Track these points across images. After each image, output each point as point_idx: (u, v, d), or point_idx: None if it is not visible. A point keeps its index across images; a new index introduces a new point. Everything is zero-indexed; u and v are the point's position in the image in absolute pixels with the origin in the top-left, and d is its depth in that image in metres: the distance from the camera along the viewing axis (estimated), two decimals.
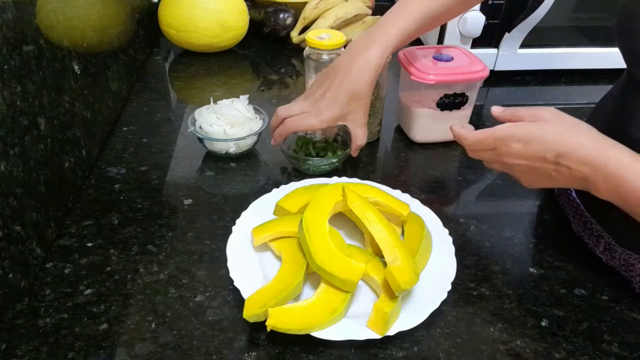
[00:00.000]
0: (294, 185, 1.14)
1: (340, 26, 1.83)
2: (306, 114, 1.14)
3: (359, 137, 1.17)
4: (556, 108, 0.90)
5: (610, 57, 1.70)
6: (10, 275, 0.87)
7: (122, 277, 0.97)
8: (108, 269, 0.98)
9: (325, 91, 1.12)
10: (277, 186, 1.14)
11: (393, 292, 0.87)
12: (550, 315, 0.93)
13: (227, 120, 1.24)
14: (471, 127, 1.00)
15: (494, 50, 1.65)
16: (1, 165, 0.85)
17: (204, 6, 1.68)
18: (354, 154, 1.21)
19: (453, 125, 1.01)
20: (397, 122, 1.45)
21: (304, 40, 1.82)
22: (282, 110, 1.18)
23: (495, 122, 0.95)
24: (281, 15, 1.85)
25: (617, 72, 1.14)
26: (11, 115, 0.88)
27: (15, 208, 0.89)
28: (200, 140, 1.26)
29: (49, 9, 1.03)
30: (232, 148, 1.25)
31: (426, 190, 1.20)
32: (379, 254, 0.94)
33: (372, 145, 1.37)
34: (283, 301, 0.87)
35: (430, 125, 1.33)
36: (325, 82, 1.14)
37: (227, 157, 1.28)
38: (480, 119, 1.49)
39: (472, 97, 1.31)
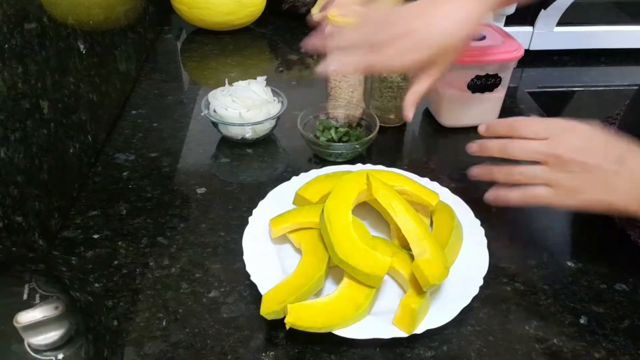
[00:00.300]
0: (314, 173, 1.14)
1: (365, 2, 1.82)
2: (392, 54, 1.01)
3: (423, 86, 1.06)
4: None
5: None
6: None
7: (131, 272, 0.97)
8: (116, 262, 0.98)
9: (413, 31, 1.00)
10: (297, 174, 1.14)
11: (421, 288, 0.86)
12: (589, 312, 0.92)
13: (243, 103, 1.24)
14: None
15: (529, 29, 1.64)
16: (1, 151, 0.85)
17: None
18: (411, 100, 1.08)
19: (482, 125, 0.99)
20: (426, 106, 1.44)
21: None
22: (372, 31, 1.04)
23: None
24: None
25: None
26: (12, 97, 0.88)
27: (16, 197, 0.89)
28: (215, 124, 1.26)
29: None
30: (249, 133, 1.25)
31: (456, 178, 1.19)
32: (405, 246, 0.94)
33: (398, 130, 1.36)
34: (303, 297, 0.86)
35: (460, 109, 1.32)
36: (412, 24, 1.01)
37: (243, 143, 1.28)
38: (514, 102, 1.48)
39: (506, 78, 1.30)
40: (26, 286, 0.72)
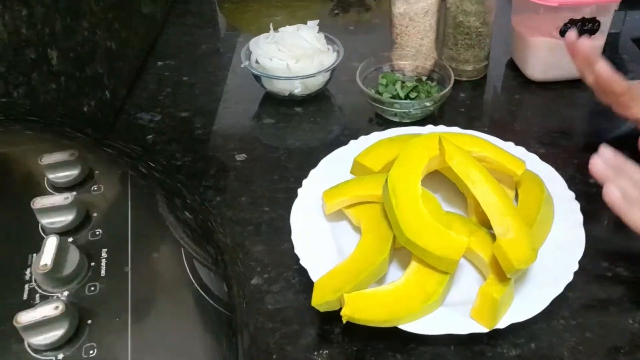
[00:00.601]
0: (376, 136, 1.13)
1: None
2: None
3: None
4: None
5: None
6: None
7: None
8: None
9: None
10: (356, 137, 1.13)
11: (504, 274, 0.85)
12: None
13: (291, 53, 1.23)
14: None
15: None
16: None
17: None
18: None
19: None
20: (509, 56, 1.43)
21: None
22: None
23: None
24: None
25: None
26: (14, 46, 0.88)
27: None
28: (257, 78, 1.26)
29: None
30: (298, 88, 1.25)
31: (546, 143, 1.18)
32: (485, 224, 0.93)
33: (477, 84, 1.35)
34: (363, 284, 0.86)
35: (551, 59, 1.30)
36: None
37: (292, 100, 1.28)
38: (615, 52, 1.46)
39: (606, 23, 1.28)
40: (26, 286, 0.77)
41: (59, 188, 0.88)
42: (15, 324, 0.70)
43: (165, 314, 0.77)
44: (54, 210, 0.83)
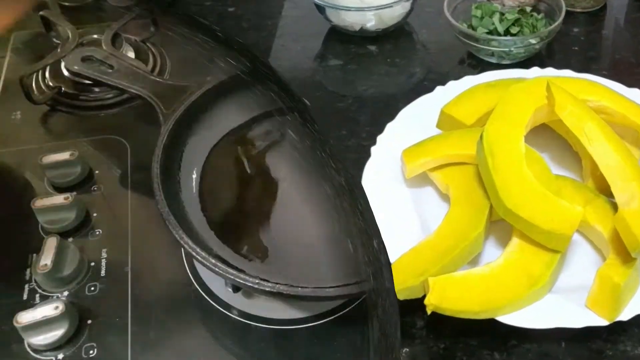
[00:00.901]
0: (469, 81, 1.12)
1: None
2: None
3: None
4: None
5: None
6: None
7: None
8: None
9: None
10: (443, 83, 1.12)
11: (628, 252, 0.83)
12: None
13: None
14: None
15: None
16: None
17: None
18: None
19: None
20: None
21: None
22: None
23: None
24: None
25: None
26: None
27: None
28: (321, 9, 1.25)
29: None
30: (372, 22, 1.23)
31: None
32: (605, 190, 0.91)
33: (594, 17, 1.33)
34: (452, 266, 0.85)
35: None
36: None
37: (363, 37, 1.27)
38: None
39: None
40: (26, 286, 0.87)
41: (59, 188, 0.95)
42: (15, 324, 0.79)
43: (165, 314, 0.82)
44: (54, 210, 0.90)
